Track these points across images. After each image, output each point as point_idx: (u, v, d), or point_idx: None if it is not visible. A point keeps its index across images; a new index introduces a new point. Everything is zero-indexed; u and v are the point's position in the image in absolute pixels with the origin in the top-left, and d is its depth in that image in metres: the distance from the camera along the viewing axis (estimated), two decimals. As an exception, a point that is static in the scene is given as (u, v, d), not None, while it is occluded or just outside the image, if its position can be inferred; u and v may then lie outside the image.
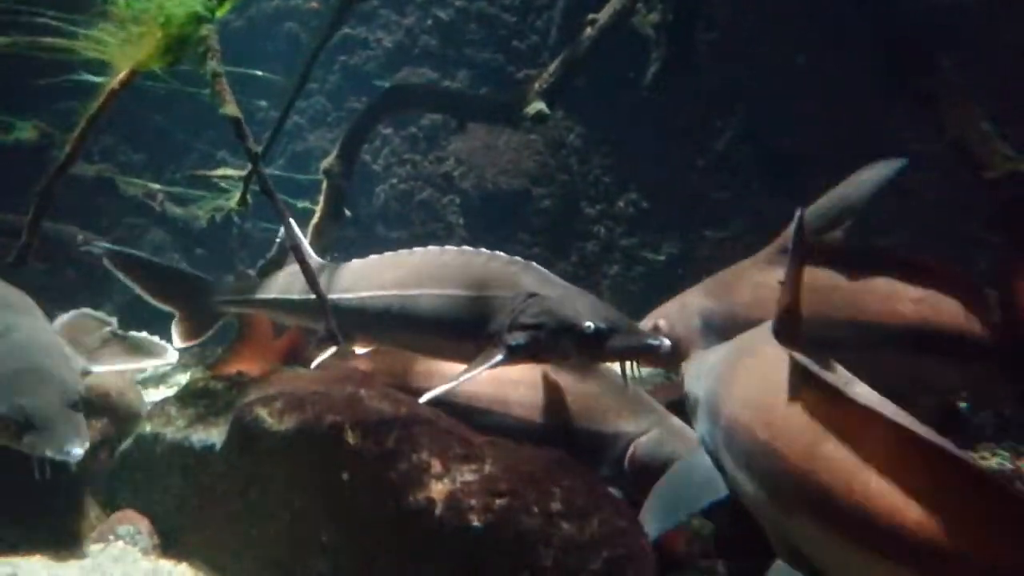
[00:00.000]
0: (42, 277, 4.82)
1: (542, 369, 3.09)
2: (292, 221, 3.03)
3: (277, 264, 3.44)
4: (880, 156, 5.33)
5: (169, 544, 2.93)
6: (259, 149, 3.19)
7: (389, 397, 2.80)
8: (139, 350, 3.47)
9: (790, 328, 2.34)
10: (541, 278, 2.88)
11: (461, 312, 2.85)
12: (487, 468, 2.46)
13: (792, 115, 5.52)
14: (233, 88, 3.16)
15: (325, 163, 4.79)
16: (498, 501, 2.36)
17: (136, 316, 5.07)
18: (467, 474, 2.45)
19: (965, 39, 4.62)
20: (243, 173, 4.02)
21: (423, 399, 2.70)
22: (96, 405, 3.42)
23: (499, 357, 2.74)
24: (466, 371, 2.72)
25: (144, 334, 3.58)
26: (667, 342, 2.70)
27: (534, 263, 2.96)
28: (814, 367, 2.03)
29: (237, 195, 4.06)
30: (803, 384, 2.07)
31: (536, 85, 4.73)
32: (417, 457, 2.49)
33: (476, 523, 2.33)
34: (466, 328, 2.84)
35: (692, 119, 5.96)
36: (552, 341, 2.73)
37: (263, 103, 5.73)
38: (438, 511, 2.38)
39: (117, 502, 3.11)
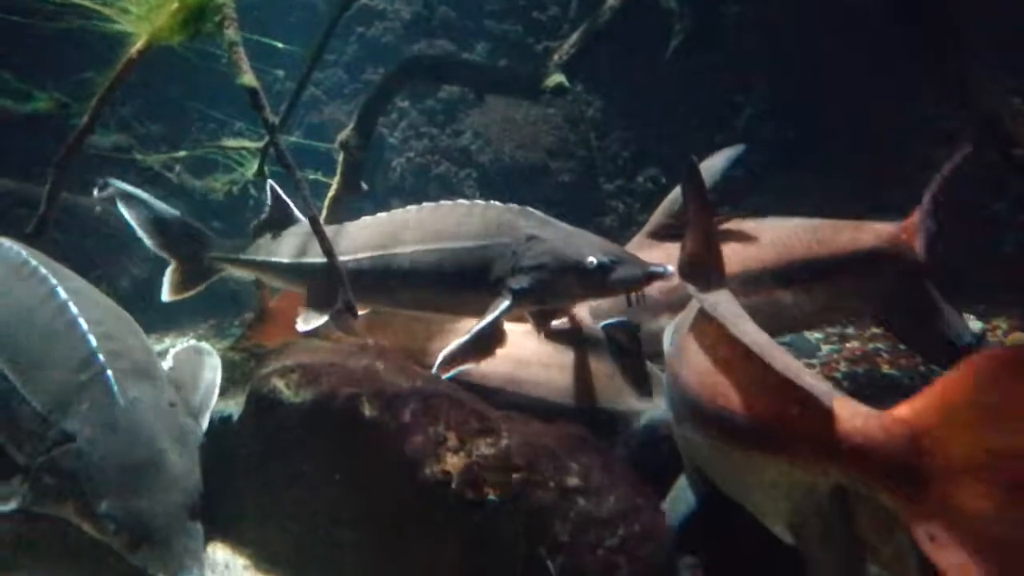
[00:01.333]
0: (60, 249, 4.85)
1: (554, 348, 3.05)
2: (308, 192, 3.01)
3: (270, 225, 3.45)
4: (902, 132, 5.25)
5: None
6: (276, 120, 3.17)
7: (405, 370, 2.79)
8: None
9: (694, 269, 2.53)
10: (539, 221, 2.87)
11: (462, 263, 2.83)
12: (504, 442, 2.45)
13: (815, 91, 5.41)
14: (250, 58, 3.13)
15: (341, 135, 4.76)
16: (515, 475, 2.35)
17: (153, 288, 5.08)
18: (483, 448, 2.43)
19: (997, 13, 4.49)
20: (260, 145, 4.01)
21: (439, 357, 2.70)
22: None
23: (506, 304, 2.74)
24: (478, 324, 2.71)
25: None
26: (671, 268, 2.71)
27: (530, 207, 2.94)
28: (698, 295, 2.34)
29: (254, 166, 4.06)
30: (697, 314, 2.36)
31: (556, 57, 4.68)
32: (433, 430, 2.48)
33: (492, 497, 2.32)
34: (468, 279, 2.83)
35: (713, 94, 5.86)
36: (556, 280, 2.74)
37: (280, 72, 5.70)
38: (454, 484, 2.37)
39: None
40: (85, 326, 2.68)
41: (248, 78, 3.07)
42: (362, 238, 3.08)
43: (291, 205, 3.42)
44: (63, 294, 2.78)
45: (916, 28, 4.52)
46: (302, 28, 6.52)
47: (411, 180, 6.57)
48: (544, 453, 2.43)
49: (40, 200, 3.63)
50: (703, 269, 2.51)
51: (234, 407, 2.94)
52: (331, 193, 4.64)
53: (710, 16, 5.51)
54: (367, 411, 2.55)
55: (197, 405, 2.83)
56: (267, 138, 3.34)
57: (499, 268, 2.77)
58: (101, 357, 2.61)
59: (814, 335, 4.80)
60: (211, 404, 2.84)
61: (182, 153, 5.69)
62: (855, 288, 3.70)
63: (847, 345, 4.58)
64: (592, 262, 2.68)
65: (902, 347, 4.37)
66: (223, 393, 3.02)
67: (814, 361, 4.45)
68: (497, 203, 2.92)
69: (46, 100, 5.53)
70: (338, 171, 4.69)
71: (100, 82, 3.52)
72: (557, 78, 4.52)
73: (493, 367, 2.92)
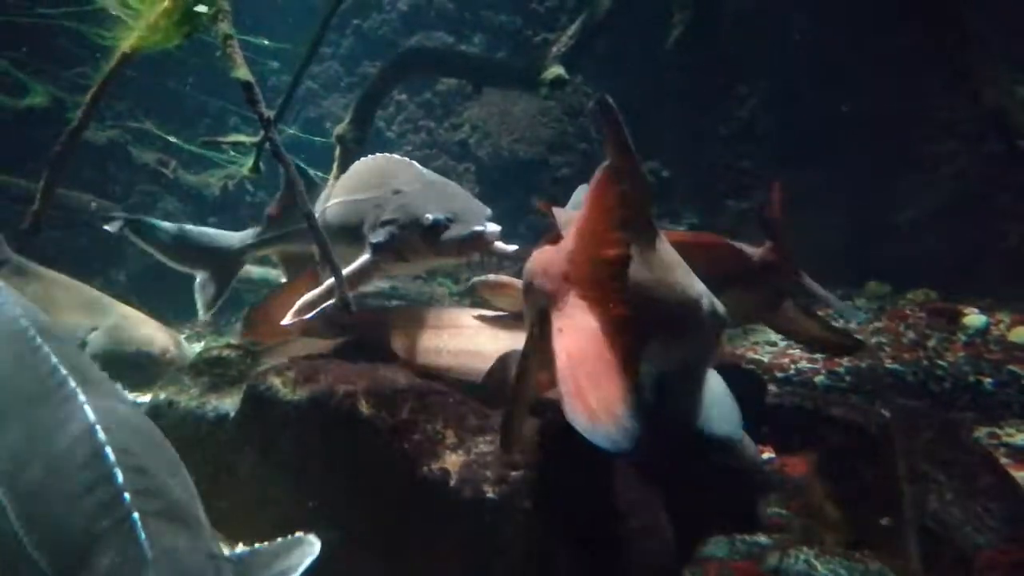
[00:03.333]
0: (56, 244, 4.82)
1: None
2: (303, 187, 2.98)
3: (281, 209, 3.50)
4: (906, 124, 5.17)
5: (184, 512, 2.92)
6: (271, 115, 3.13)
7: (402, 368, 2.77)
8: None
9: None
10: (415, 175, 2.90)
11: (348, 216, 2.92)
12: (502, 439, 2.42)
13: (818, 83, 5.37)
14: (243, 50, 3.10)
15: (338, 129, 4.73)
16: (514, 473, 2.32)
17: (150, 284, 5.06)
18: (482, 445, 2.40)
19: (1001, 4, 4.45)
20: (255, 140, 3.96)
21: (295, 307, 2.79)
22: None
23: (366, 257, 2.80)
24: (341, 275, 2.74)
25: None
26: (495, 227, 2.70)
27: (415, 162, 2.98)
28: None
29: (250, 162, 4.02)
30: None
31: (554, 49, 4.64)
32: (431, 428, 2.46)
33: (491, 494, 2.30)
34: (352, 231, 2.90)
35: (716, 86, 5.82)
36: (404, 236, 2.76)
37: (275, 64, 5.65)
38: (452, 482, 2.34)
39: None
40: (112, 457, 2.11)
41: (243, 72, 3.03)
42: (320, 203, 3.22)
43: (308, 171, 3.49)
44: (91, 415, 2.19)
45: (920, 20, 4.48)
46: (298, 20, 6.49)
47: (409, 174, 6.53)
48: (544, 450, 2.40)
49: (35, 197, 3.60)
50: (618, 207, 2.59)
51: (230, 405, 2.91)
52: (327, 189, 4.61)
53: (712, 5, 5.46)
54: (364, 409, 2.52)
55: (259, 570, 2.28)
56: (262, 133, 3.30)
57: (369, 221, 2.83)
58: (127, 497, 2.05)
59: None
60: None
61: (171, 139, 5.63)
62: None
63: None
64: (428, 219, 2.68)
65: (904, 342, 4.34)
66: (218, 391, 3.00)
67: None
68: (394, 156, 2.98)
69: (41, 94, 5.48)
70: (335, 165, 4.66)
71: (95, 77, 3.49)
72: (556, 70, 4.48)
73: (486, 366, 2.89)
